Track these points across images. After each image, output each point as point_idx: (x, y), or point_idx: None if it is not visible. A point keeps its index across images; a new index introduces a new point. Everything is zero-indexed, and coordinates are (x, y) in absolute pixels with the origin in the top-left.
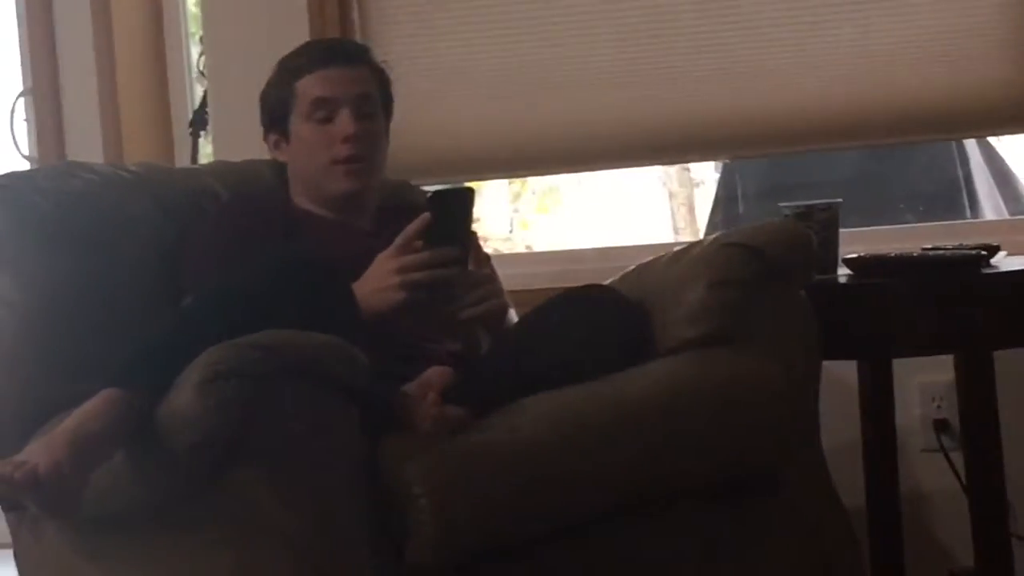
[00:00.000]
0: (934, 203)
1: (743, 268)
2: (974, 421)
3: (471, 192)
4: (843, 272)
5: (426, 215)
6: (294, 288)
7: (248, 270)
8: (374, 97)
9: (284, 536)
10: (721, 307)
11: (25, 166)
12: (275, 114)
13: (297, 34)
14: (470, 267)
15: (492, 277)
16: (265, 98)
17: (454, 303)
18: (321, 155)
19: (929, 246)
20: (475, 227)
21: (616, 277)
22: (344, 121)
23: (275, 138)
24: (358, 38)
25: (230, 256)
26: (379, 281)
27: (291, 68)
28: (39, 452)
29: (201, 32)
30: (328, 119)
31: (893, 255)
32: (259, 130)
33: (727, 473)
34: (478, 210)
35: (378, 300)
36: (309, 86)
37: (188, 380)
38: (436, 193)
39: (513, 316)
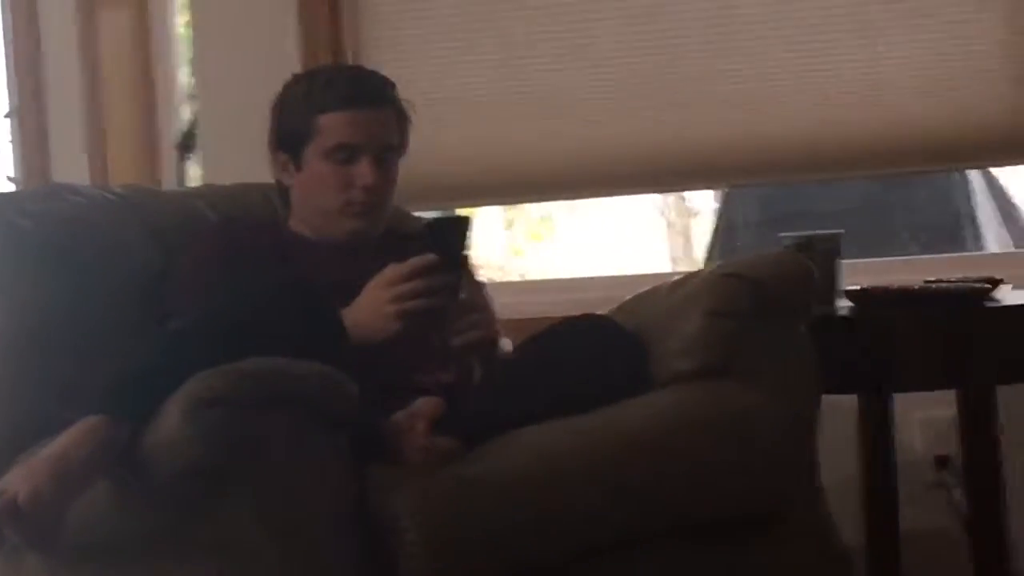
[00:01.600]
0: (938, 234)
1: (741, 299)
2: (976, 458)
3: (467, 220)
4: (844, 304)
5: (430, 256)
6: (284, 314)
7: (237, 294)
8: (394, 144)
9: (270, 569)
10: (718, 339)
11: (9, 188)
12: (289, 138)
13: (288, 56)
14: (463, 294)
15: (484, 305)
16: (280, 118)
17: (447, 331)
18: (335, 196)
19: (932, 279)
20: (469, 254)
21: (613, 307)
22: (364, 170)
23: (284, 159)
24: (350, 60)
25: (219, 279)
26: (372, 308)
27: (314, 100)
28: (19, 480)
29: (191, 53)
30: (347, 160)
31: (895, 287)
32: (250, 153)
33: (721, 510)
34: (472, 238)
35: (370, 328)
36: (333, 126)
37: (174, 407)
38: (432, 220)
39: (507, 345)
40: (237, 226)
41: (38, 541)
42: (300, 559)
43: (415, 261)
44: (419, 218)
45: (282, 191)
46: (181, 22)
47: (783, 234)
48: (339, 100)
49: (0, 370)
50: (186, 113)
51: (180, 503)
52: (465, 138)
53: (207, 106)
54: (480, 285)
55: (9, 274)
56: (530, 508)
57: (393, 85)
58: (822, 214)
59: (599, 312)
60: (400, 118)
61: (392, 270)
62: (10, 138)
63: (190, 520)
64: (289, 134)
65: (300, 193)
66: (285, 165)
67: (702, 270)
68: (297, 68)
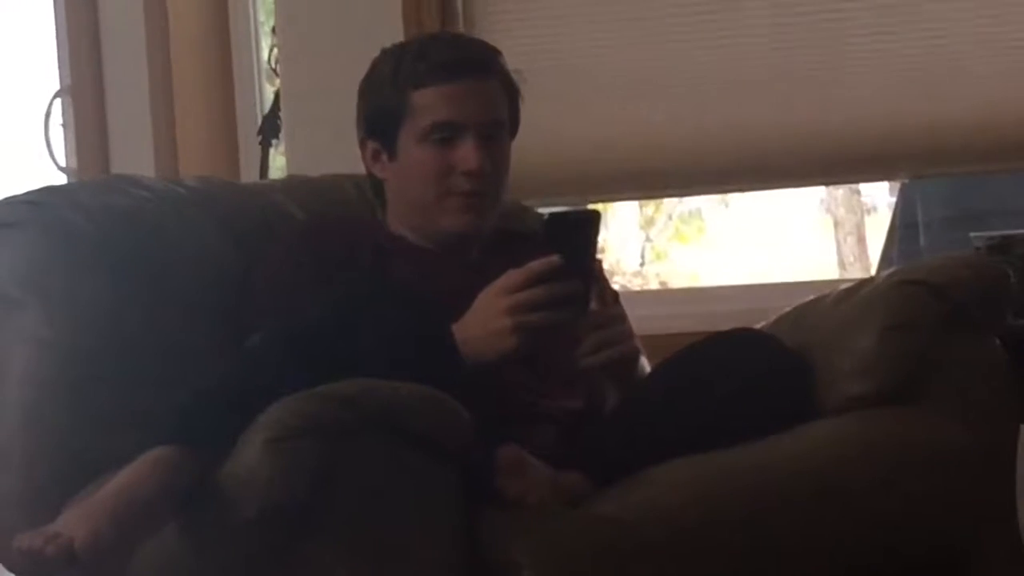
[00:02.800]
0: None
1: (924, 311)
2: None
3: (596, 215)
4: None
5: (553, 258)
6: (384, 327)
7: (328, 305)
8: (502, 120)
9: None
10: (897, 357)
11: (62, 179)
12: (379, 121)
13: (389, 25)
14: (593, 305)
15: (620, 317)
16: (367, 99)
17: (575, 349)
18: (435, 184)
19: None
20: (599, 257)
21: (770, 320)
22: (468, 152)
23: (375, 147)
24: (461, 29)
25: (306, 288)
26: (486, 323)
27: (407, 73)
28: (75, 522)
29: (273, 22)
30: (447, 141)
31: None
32: (341, 139)
33: (901, 556)
34: (602, 238)
35: (484, 345)
36: (429, 103)
37: (255, 437)
38: (553, 216)
39: (645, 365)
40: (327, 225)
41: None
42: None
43: (535, 265)
44: (539, 214)
45: (375, 185)
46: None
47: (974, 234)
48: (434, 72)
49: (51, 395)
50: (268, 93)
51: (260, 545)
52: (595, 120)
53: (292, 85)
54: (613, 294)
55: (61, 281)
56: (671, 556)
57: (497, 53)
58: (1020, 211)
59: (755, 326)
60: (509, 91)
61: (509, 276)
62: (63, 121)
63: (271, 565)
64: (379, 116)
65: (395, 186)
66: (377, 154)
67: (877, 276)
68: (400, 38)
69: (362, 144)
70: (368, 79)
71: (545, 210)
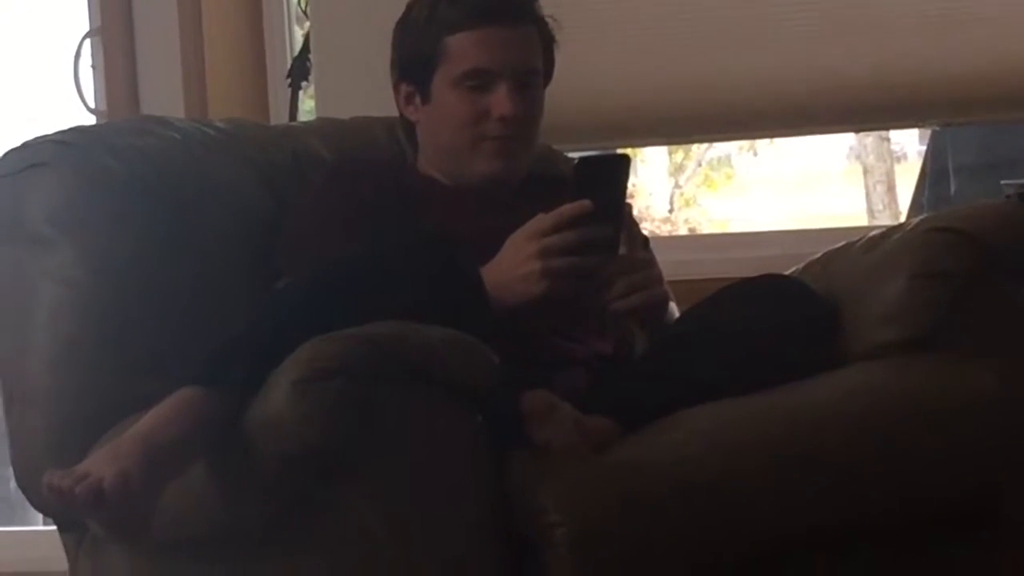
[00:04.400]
0: None
1: (954, 258)
2: None
3: (626, 160)
4: None
5: (585, 202)
6: (412, 270)
7: (357, 248)
8: (537, 68)
9: (393, 568)
10: (926, 304)
11: (92, 121)
12: (413, 65)
13: None
14: (622, 250)
15: (650, 262)
16: (402, 41)
17: (604, 294)
18: (468, 129)
19: None
20: (628, 202)
21: (799, 266)
22: (502, 98)
23: (408, 90)
24: None
25: (337, 231)
26: (515, 267)
27: (441, 19)
28: (104, 462)
29: None
30: (481, 87)
31: None
32: (370, 82)
33: (929, 505)
34: (631, 184)
35: (513, 289)
36: (464, 48)
37: (283, 379)
38: (583, 160)
39: (674, 310)
40: (357, 167)
41: (124, 531)
42: (428, 558)
43: (565, 209)
44: (570, 159)
45: (407, 128)
46: None
47: (1005, 182)
48: (470, 17)
49: (79, 336)
50: (298, 36)
51: (288, 490)
52: (624, 65)
53: (322, 27)
54: (643, 239)
55: (90, 221)
56: (699, 501)
57: None
58: None
59: (783, 272)
60: (544, 38)
61: (539, 220)
62: (92, 63)
63: (299, 510)
64: (413, 60)
65: (428, 129)
66: (410, 97)
67: (907, 223)
68: None
69: (395, 87)
70: (403, 22)
71: (575, 155)
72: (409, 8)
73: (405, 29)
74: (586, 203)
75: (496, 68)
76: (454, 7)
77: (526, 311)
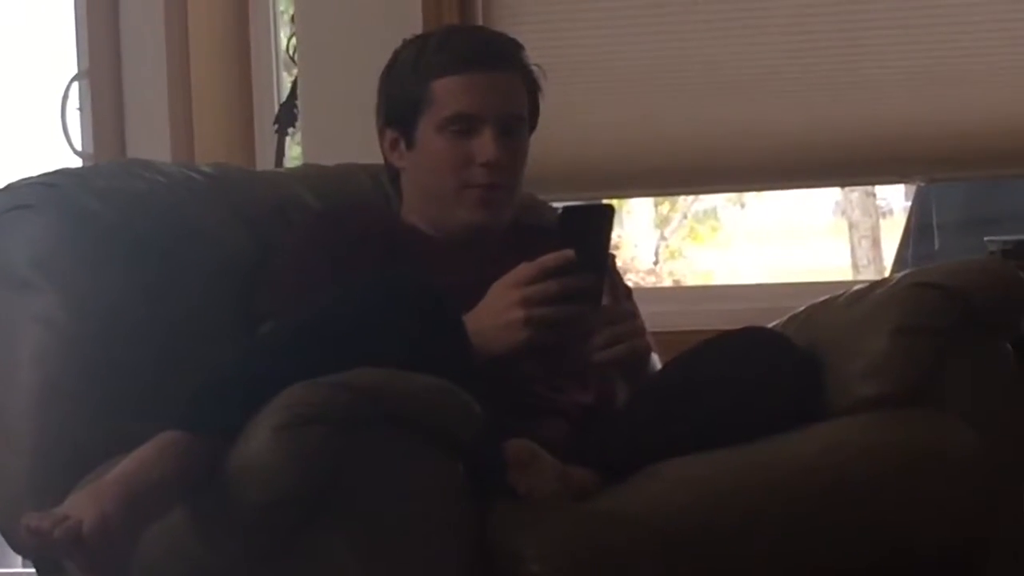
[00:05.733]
0: None
1: (938, 313)
2: None
3: (611, 210)
4: None
5: (568, 252)
6: (395, 318)
7: (340, 294)
8: (522, 114)
9: None
10: (909, 360)
11: (78, 163)
12: (398, 110)
13: (408, 16)
14: (605, 300)
15: (633, 313)
16: (388, 88)
17: (587, 344)
18: (452, 175)
19: None
20: (613, 252)
21: (782, 319)
22: (486, 143)
23: (393, 136)
24: (480, 22)
25: (320, 277)
26: (498, 315)
27: (428, 63)
28: (83, 505)
29: (292, 11)
30: (466, 132)
31: None
32: (357, 129)
33: (908, 564)
34: (616, 235)
35: (496, 338)
36: (449, 93)
37: (264, 424)
38: (568, 210)
39: (656, 362)
40: (342, 214)
41: (103, 574)
42: None
43: (548, 258)
44: (554, 209)
45: (392, 175)
46: None
47: (989, 238)
48: (455, 62)
49: (62, 378)
50: (286, 82)
51: (268, 536)
52: (611, 116)
53: (310, 74)
54: (626, 290)
55: (72, 263)
56: (679, 554)
57: (520, 47)
58: None
59: (766, 325)
60: (530, 85)
61: (522, 269)
62: (79, 105)
63: (279, 556)
64: (399, 105)
65: (413, 176)
66: (395, 143)
67: (891, 278)
68: (419, 30)
69: (381, 132)
70: (389, 68)
71: (560, 205)
72: (396, 54)
73: (391, 74)
74: (569, 252)
75: (481, 113)
76: (441, 52)
77: (508, 359)
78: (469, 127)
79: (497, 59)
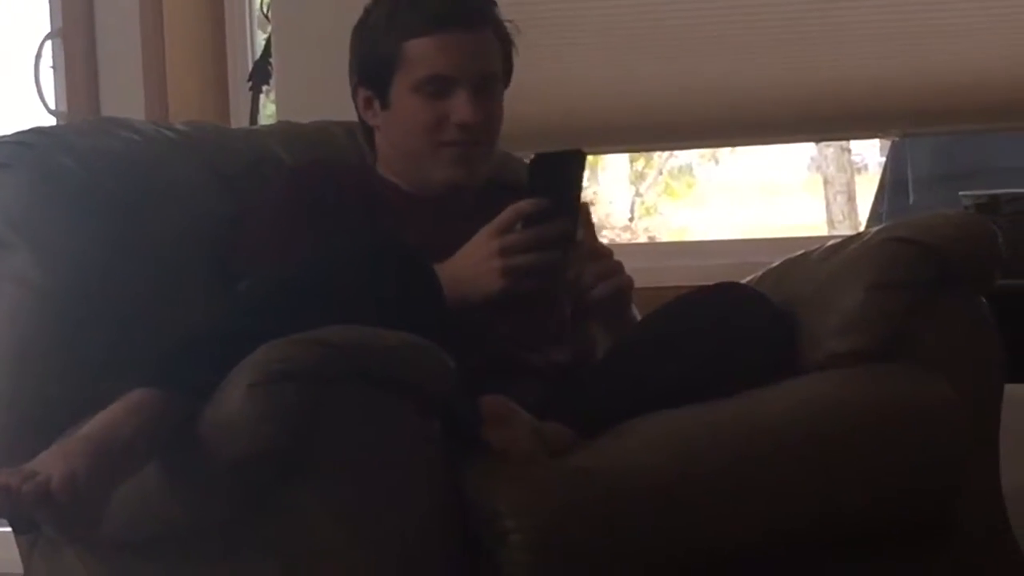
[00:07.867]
0: None
1: (912, 268)
2: None
3: (581, 155)
4: None
5: (542, 201)
6: (370, 274)
7: (315, 251)
8: (496, 73)
9: (346, 572)
10: (883, 315)
11: (52, 122)
12: (372, 70)
13: None
14: (579, 238)
15: (607, 252)
16: (360, 47)
17: (561, 297)
18: (427, 135)
19: None
20: (588, 202)
21: (756, 275)
22: (461, 104)
23: (367, 95)
24: None
25: (295, 234)
26: (474, 265)
27: (399, 24)
28: (52, 461)
29: None
30: (440, 93)
31: None
32: (332, 86)
33: (882, 515)
34: (591, 191)
35: (471, 288)
36: (422, 54)
37: (238, 381)
38: (539, 157)
39: (636, 314)
40: (317, 170)
41: (73, 531)
42: (381, 561)
43: (522, 205)
44: (526, 164)
45: (367, 132)
46: None
47: (963, 192)
48: (428, 22)
49: (35, 337)
50: (260, 39)
51: (242, 492)
52: (585, 72)
53: (284, 31)
54: (600, 243)
55: (46, 221)
56: (653, 509)
57: (492, 3)
58: (1009, 170)
59: (740, 281)
60: (503, 42)
61: (498, 219)
62: (53, 64)
63: (252, 513)
64: (371, 65)
65: (387, 135)
66: (369, 102)
67: (864, 233)
68: None
69: (354, 91)
70: (361, 26)
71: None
72: (367, 12)
73: (363, 33)
74: (543, 201)
75: (455, 74)
76: (412, 12)
77: (484, 317)
78: (443, 88)
79: (470, 17)
